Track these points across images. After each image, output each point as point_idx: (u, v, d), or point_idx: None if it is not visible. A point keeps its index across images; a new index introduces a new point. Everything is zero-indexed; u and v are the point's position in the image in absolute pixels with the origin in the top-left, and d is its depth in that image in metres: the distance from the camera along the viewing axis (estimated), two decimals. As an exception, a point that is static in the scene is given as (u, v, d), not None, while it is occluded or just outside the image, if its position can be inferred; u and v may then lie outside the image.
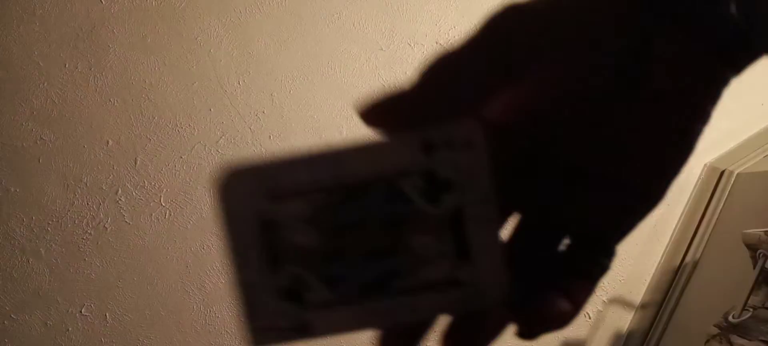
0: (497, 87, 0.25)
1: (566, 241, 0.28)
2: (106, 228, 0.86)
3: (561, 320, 0.26)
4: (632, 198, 0.27)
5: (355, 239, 0.25)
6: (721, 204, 1.19)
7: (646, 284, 1.22)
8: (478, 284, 0.25)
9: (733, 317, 1.08)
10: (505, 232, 0.28)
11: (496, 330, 0.27)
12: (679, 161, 0.26)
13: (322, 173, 0.25)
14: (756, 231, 1.08)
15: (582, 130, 0.27)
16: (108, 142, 0.86)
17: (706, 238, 1.20)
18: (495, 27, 0.25)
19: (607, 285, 1.02)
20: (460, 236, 0.25)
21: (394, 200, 0.25)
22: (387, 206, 0.25)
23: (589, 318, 1.16)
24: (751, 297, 1.06)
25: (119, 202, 0.87)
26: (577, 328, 1.11)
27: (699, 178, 1.23)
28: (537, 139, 0.28)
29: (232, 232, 0.24)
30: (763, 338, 1.03)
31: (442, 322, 0.27)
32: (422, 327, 0.28)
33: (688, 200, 1.23)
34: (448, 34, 0.93)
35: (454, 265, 0.25)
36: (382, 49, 0.93)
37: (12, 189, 0.83)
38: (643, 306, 1.22)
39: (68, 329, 0.87)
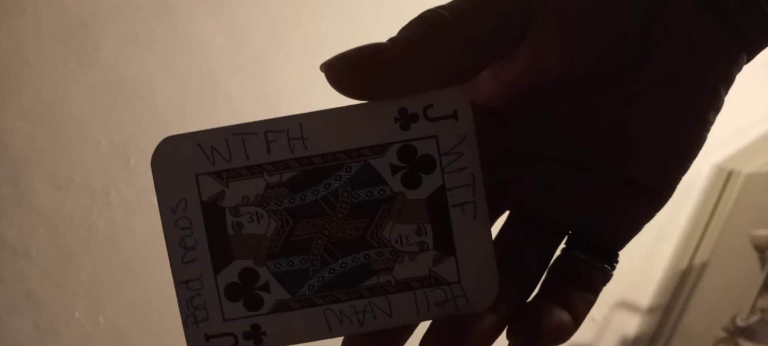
0: (488, 60, 0.22)
1: (564, 243, 0.25)
2: (98, 229, 0.85)
3: (559, 336, 0.22)
4: (638, 195, 0.23)
5: (317, 228, 0.22)
6: (730, 205, 1.17)
7: (653, 287, 1.20)
8: (464, 284, 0.22)
9: (740, 320, 1.06)
10: (495, 231, 0.25)
11: (484, 340, 0.23)
12: (689, 154, 0.23)
13: (278, 147, 0.21)
14: (765, 233, 1.06)
15: (582, 116, 0.24)
16: (100, 141, 0.84)
17: (713, 240, 1.18)
18: None
19: (613, 288, 1.01)
20: (443, 226, 0.22)
21: (365, 182, 0.22)
22: (356, 188, 0.22)
23: (594, 322, 1.14)
24: (759, 300, 1.04)
25: (111, 202, 0.86)
26: (582, 332, 1.10)
27: (706, 178, 1.21)
28: (531, 127, 0.25)
29: (168, 216, 0.21)
30: (772, 342, 1.01)
31: (421, 328, 0.23)
32: (398, 334, 0.24)
33: (696, 202, 1.21)
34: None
35: (435, 260, 0.22)
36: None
37: (2, 189, 0.81)
38: (650, 309, 1.20)
39: (60, 333, 0.86)
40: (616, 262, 0.25)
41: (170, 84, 0.84)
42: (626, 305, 1.17)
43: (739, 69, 0.22)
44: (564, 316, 0.23)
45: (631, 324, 1.20)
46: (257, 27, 0.85)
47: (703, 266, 1.18)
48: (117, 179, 0.84)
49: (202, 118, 0.85)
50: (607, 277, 0.25)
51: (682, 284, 1.19)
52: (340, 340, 0.23)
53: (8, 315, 0.82)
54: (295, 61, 0.86)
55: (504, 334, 0.23)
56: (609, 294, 1.12)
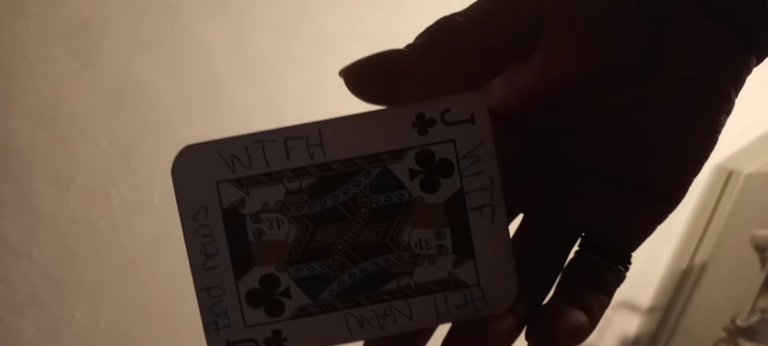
0: (502, 66, 0.22)
1: (577, 246, 0.26)
2: (100, 229, 0.85)
3: (577, 336, 0.23)
4: (650, 198, 0.24)
5: (337, 233, 0.22)
6: (730, 206, 1.17)
7: (654, 288, 1.20)
8: (483, 287, 0.22)
9: (740, 320, 1.06)
10: (510, 234, 0.25)
11: (504, 342, 0.23)
12: (701, 157, 0.23)
13: (297, 154, 0.21)
14: (765, 233, 1.06)
15: (594, 121, 0.24)
16: (101, 141, 0.84)
17: (713, 240, 1.18)
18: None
19: (614, 288, 1.02)
20: (462, 229, 0.22)
21: (384, 187, 0.22)
22: (375, 193, 0.22)
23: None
24: (760, 300, 1.04)
25: (113, 203, 0.85)
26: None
27: (706, 178, 1.21)
28: (544, 132, 0.26)
29: (190, 223, 0.21)
30: (773, 342, 1.01)
31: (441, 331, 0.24)
32: (417, 337, 0.24)
33: (696, 202, 1.21)
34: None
35: (454, 263, 0.22)
36: (385, 47, 0.94)
37: (4, 189, 0.81)
38: (650, 310, 1.20)
39: (61, 333, 0.86)
40: (630, 263, 0.25)
41: (173, 85, 0.84)
42: (626, 305, 1.17)
43: (749, 72, 0.22)
44: (581, 317, 0.23)
45: (632, 324, 1.20)
46: (261, 29, 0.85)
47: (703, 266, 1.18)
48: (119, 179, 0.84)
49: (205, 120, 0.85)
50: (620, 278, 0.25)
51: (683, 284, 1.19)
52: (360, 344, 0.23)
53: (10, 315, 0.82)
54: (299, 64, 0.85)
55: (522, 335, 0.24)
56: (610, 294, 1.13)
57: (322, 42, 0.84)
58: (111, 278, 0.84)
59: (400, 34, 0.22)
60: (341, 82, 0.21)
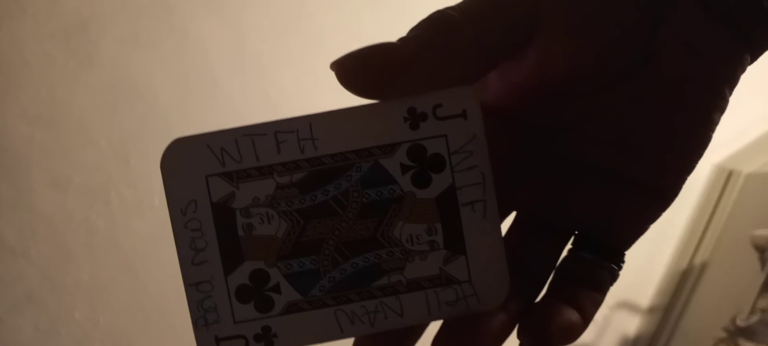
0: (496, 61, 0.22)
1: (570, 243, 0.26)
2: (98, 229, 0.85)
3: (569, 334, 0.22)
4: (644, 196, 0.23)
5: (328, 229, 0.22)
6: (730, 206, 1.17)
7: (653, 288, 1.20)
8: (475, 283, 0.22)
9: (740, 320, 1.06)
10: (503, 231, 0.25)
11: (495, 339, 0.23)
12: (695, 154, 0.23)
13: (288, 148, 0.21)
14: (765, 233, 1.06)
15: (588, 118, 0.24)
16: (99, 141, 0.84)
17: (713, 240, 1.18)
18: None
19: (613, 288, 1.01)
20: (453, 225, 0.22)
21: (375, 182, 0.22)
22: (366, 188, 0.22)
23: (594, 322, 1.14)
24: (760, 300, 1.04)
25: (111, 203, 0.85)
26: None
27: (706, 178, 1.21)
28: (538, 128, 0.25)
29: (178, 218, 0.21)
30: (772, 342, 1.01)
31: (432, 328, 0.23)
32: (408, 334, 0.24)
33: (696, 202, 1.21)
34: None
35: (446, 259, 0.22)
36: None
37: (1, 189, 0.81)
38: (650, 310, 1.20)
39: (60, 333, 0.86)
40: (623, 262, 0.25)
41: (170, 84, 0.84)
42: (626, 305, 1.17)
43: (744, 70, 0.22)
44: (573, 315, 0.23)
45: (631, 324, 1.20)
46: (258, 27, 0.85)
47: (703, 266, 1.18)
48: (117, 179, 0.84)
49: (202, 119, 0.85)
50: (614, 277, 0.25)
51: (682, 284, 1.19)
52: (351, 341, 0.23)
53: (8, 315, 0.82)
54: (296, 62, 0.85)
55: (514, 333, 0.23)
56: (609, 294, 1.12)
57: (319, 40, 0.84)
58: (109, 278, 0.84)
59: (397, 33, 0.22)
60: (337, 79, 0.21)
